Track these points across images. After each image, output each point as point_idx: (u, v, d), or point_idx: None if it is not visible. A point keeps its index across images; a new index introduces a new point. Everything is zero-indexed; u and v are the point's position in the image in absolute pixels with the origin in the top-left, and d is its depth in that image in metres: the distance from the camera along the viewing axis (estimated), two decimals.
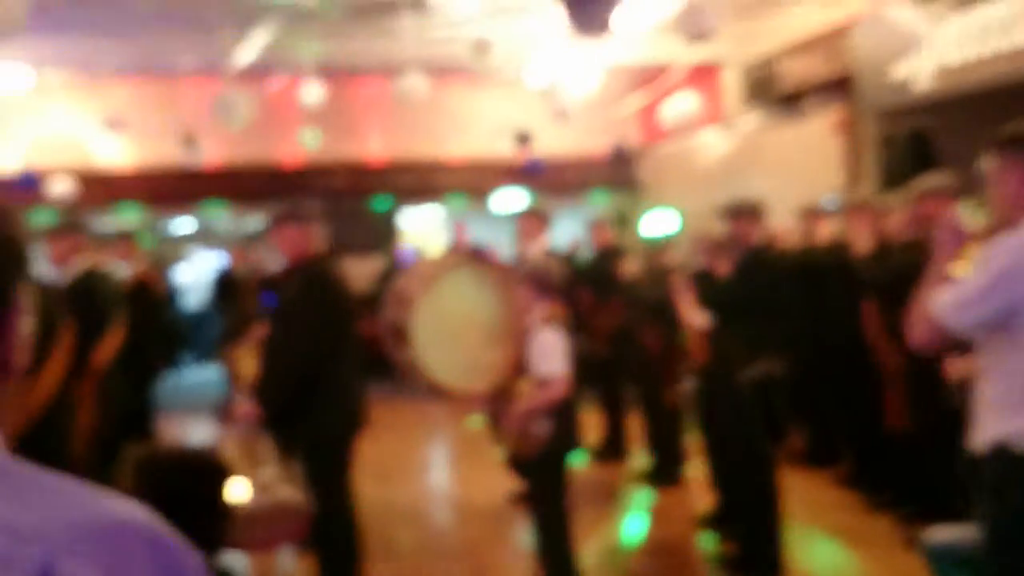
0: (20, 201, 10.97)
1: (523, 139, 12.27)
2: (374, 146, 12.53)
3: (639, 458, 7.27)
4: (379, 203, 12.75)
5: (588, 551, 5.04)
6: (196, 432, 8.77)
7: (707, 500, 5.92)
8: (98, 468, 4.49)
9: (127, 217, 11.76)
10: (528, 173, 12.61)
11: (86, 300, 5.05)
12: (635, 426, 7.40)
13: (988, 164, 2.83)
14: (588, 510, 6.19)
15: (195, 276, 14.62)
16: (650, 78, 11.97)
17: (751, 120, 10.64)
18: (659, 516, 6.34)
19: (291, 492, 3.70)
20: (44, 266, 5.43)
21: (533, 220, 6.63)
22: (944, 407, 3.93)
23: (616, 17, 6.32)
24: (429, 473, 8.26)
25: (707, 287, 5.28)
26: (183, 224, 15.36)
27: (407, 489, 7.14)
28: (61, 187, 11.18)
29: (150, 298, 6.89)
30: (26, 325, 0.95)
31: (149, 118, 11.74)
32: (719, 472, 5.59)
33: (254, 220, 13.15)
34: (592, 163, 12.94)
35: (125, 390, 5.51)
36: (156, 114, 11.73)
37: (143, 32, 9.21)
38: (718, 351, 5.04)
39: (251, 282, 8.16)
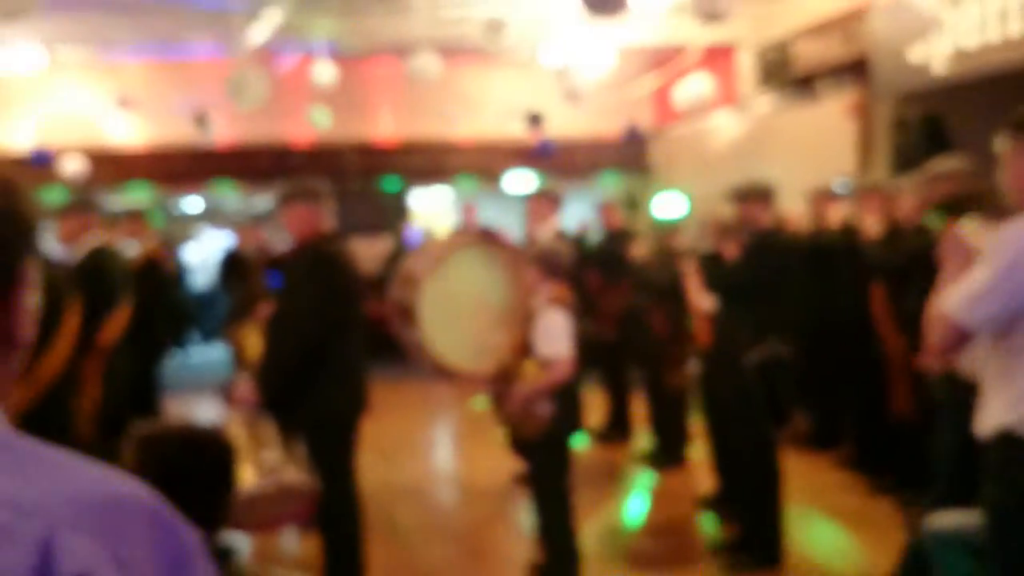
0: (32, 179, 11.01)
1: (535, 120, 12.22)
2: (385, 126, 12.51)
3: (643, 440, 7.29)
4: (389, 184, 12.74)
5: (590, 532, 5.05)
6: (202, 411, 8.81)
7: (709, 482, 5.93)
8: (103, 445, 4.51)
9: (137, 196, 11.78)
10: (539, 155, 12.58)
11: (95, 278, 5.06)
12: (639, 408, 7.41)
13: (1001, 146, 2.80)
14: (591, 491, 6.20)
15: (203, 255, 14.65)
16: (664, 60, 11.90)
17: (764, 103, 10.58)
18: (661, 497, 6.35)
19: (296, 474, 3.71)
20: (53, 244, 5.44)
21: (544, 201, 6.59)
22: (929, 397, 3.93)
23: None
24: (432, 453, 8.29)
25: (714, 270, 5.27)
26: (192, 203, 15.38)
27: (410, 469, 7.17)
28: (73, 165, 11.20)
29: (159, 276, 6.91)
30: (33, 300, 0.95)
31: (161, 97, 11.74)
32: (721, 454, 5.60)
33: (263, 200, 13.16)
34: (604, 145, 12.89)
35: (132, 368, 5.53)
36: (168, 93, 11.73)
37: (156, 11, 9.20)
38: (723, 334, 5.03)
39: (258, 262, 8.17)
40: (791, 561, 4.81)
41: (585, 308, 5.83)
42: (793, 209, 7.28)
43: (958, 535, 3.19)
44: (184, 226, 15.25)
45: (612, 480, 6.80)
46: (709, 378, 5.50)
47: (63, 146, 11.40)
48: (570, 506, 4.44)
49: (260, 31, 9.59)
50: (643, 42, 11.23)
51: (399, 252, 10.15)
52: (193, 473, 2.10)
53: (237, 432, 3.81)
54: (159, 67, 11.88)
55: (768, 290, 4.74)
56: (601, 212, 8.04)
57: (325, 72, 10.32)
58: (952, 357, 2.95)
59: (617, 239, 7.66)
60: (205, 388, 8.71)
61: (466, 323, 4.19)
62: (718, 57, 11.30)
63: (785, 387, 4.66)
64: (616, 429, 7.68)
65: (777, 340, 4.64)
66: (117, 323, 5.27)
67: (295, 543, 5.36)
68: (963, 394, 3.54)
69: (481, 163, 12.71)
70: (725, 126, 11.26)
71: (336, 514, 4.06)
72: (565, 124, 12.27)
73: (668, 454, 6.85)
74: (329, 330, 4.02)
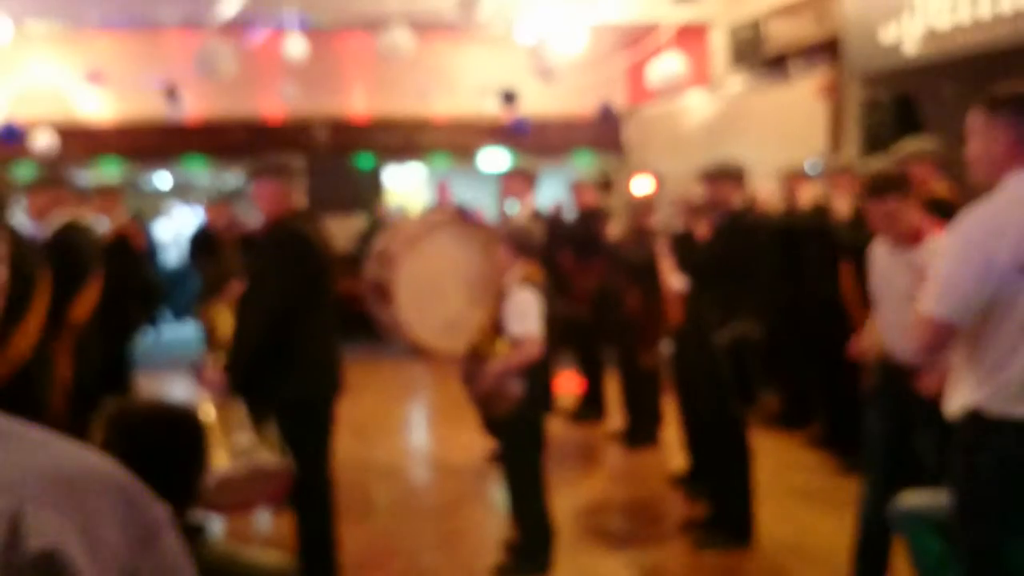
0: (2, 154, 10.85)
1: (509, 98, 12.18)
2: (357, 102, 12.42)
3: (615, 418, 7.33)
4: (363, 161, 12.66)
5: (563, 509, 5.08)
6: (174, 389, 8.77)
7: (681, 460, 5.98)
8: (74, 422, 4.47)
9: (108, 171, 11.65)
10: (513, 132, 12.54)
11: (65, 254, 5.00)
12: (613, 387, 7.45)
13: (974, 120, 2.80)
14: (564, 469, 6.25)
15: (174, 232, 14.52)
16: (637, 38, 11.88)
17: (737, 82, 10.60)
18: (634, 476, 6.40)
19: (268, 455, 3.70)
20: (23, 220, 5.38)
21: (519, 179, 6.55)
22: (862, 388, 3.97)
23: None
24: (407, 431, 8.29)
25: (685, 249, 5.29)
26: (162, 179, 15.22)
27: (385, 447, 7.17)
28: (43, 140, 11.05)
29: (130, 253, 6.84)
30: (2, 274, 0.94)
31: (131, 71, 11.58)
32: (692, 433, 5.65)
33: (234, 176, 13.04)
34: (577, 123, 12.86)
35: (103, 345, 5.48)
36: (138, 67, 11.57)
37: None
38: (693, 313, 5.06)
39: (229, 239, 8.10)
40: (761, 538, 4.87)
41: (559, 287, 5.84)
42: (764, 189, 7.31)
43: (927, 514, 3.24)
44: (155, 202, 15.11)
45: (586, 458, 6.84)
46: (680, 357, 5.54)
47: (32, 121, 11.23)
48: (543, 484, 4.47)
49: (230, 5, 9.48)
50: (616, 20, 11.20)
51: (373, 230, 10.10)
52: (163, 451, 2.10)
53: (208, 411, 3.78)
54: (129, 41, 11.71)
55: (739, 270, 4.76)
56: (574, 191, 8.03)
57: (296, 46, 10.21)
58: (939, 357, 2.96)
59: (590, 218, 7.66)
60: (177, 366, 8.66)
61: (441, 302, 4.19)
62: (691, 36, 11.29)
63: (754, 366, 4.69)
64: (589, 407, 7.71)
65: (747, 320, 4.67)
66: (88, 300, 5.22)
67: (268, 522, 5.36)
68: (897, 380, 3.60)
69: (455, 140, 12.65)
70: (698, 106, 11.27)
71: (310, 494, 4.05)
72: (539, 102, 12.23)
73: (641, 433, 6.89)
74: (300, 309, 3.96)
